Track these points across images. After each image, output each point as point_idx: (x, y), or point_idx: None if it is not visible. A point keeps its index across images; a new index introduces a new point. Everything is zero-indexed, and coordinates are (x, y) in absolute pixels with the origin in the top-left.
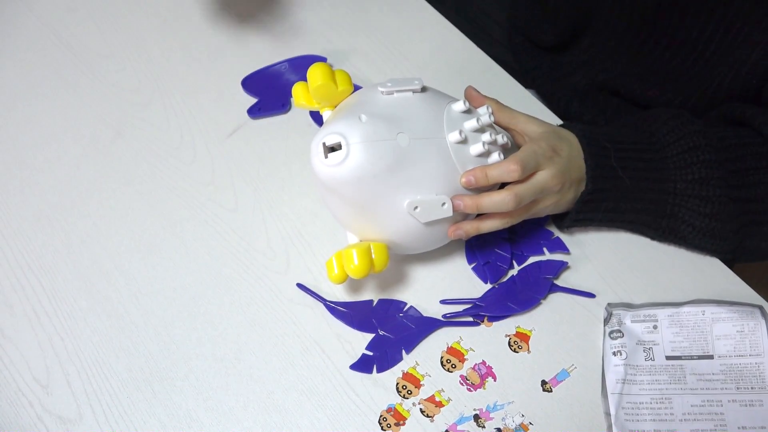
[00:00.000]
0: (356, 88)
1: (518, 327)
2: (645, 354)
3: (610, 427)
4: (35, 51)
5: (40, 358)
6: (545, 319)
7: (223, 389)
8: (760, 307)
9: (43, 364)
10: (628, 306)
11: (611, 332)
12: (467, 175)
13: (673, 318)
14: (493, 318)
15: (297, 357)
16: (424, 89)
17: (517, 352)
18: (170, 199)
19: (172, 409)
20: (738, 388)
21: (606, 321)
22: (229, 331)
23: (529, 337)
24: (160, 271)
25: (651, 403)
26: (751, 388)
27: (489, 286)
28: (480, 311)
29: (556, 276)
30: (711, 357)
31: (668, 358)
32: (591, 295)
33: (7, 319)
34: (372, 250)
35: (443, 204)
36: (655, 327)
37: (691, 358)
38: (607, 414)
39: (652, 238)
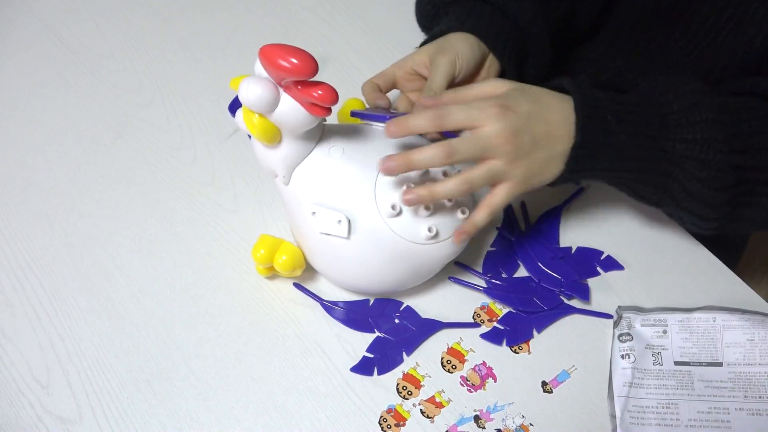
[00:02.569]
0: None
1: None
2: (653, 358)
3: (614, 429)
4: (35, 51)
5: (40, 358)
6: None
7: (223, 389)
8: None
9: (44, 364)
10: (639, 309)
11: (620, 335)
12: (385, 161)
13: (683, 323)
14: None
15: (297, 357)
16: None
17: (518, 353)
18: (170, 199)
19: (172, 409)
20: (746, 397)
21: (616, 323)
22: (229, 332)
23: None
24: (160, 271)
25: (657, 407)
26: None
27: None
28: (494, 293)
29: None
30: (720, 364)
31: (677, 363)
32: (608, 316)
33: (7, 319)
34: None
35: (339, 221)
36: (664, 332)
37: (700, 364)
38: (613, 416)
39: (640, 199)
